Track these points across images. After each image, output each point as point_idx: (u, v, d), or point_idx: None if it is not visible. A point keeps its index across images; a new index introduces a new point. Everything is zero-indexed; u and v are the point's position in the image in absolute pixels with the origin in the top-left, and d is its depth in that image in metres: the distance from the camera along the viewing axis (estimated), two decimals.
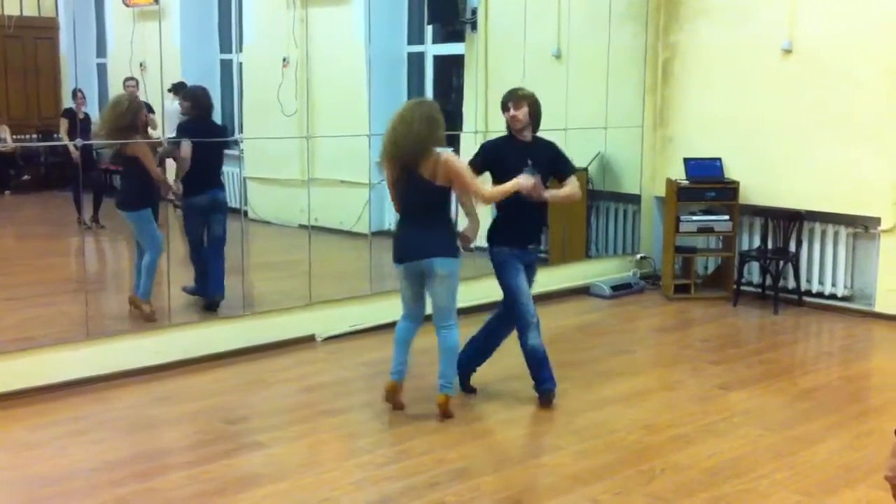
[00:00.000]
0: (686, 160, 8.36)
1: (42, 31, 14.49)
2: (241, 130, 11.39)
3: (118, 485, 4.42)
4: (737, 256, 8.27)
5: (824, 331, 7.63)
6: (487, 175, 5.53)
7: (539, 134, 5.60)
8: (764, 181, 8.16)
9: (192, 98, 7.50)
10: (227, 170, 10.40)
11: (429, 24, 10.49)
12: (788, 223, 7.98)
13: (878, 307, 7.63)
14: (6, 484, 4.51)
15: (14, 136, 13.23)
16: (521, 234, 5.50)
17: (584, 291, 8.53)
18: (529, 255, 5.55)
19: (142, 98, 9.01)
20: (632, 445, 4.99)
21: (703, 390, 5.91)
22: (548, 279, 7.85)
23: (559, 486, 4.51)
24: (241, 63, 11.50)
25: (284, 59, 10.96)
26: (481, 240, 5.69)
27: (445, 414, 5.30)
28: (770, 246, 8.12)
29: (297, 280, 7.30)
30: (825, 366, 6.85)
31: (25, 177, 14.23)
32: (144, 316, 6.91)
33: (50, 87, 14.58)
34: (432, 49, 10.84)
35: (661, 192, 8.82)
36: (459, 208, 5.57)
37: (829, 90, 7.73)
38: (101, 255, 10.48)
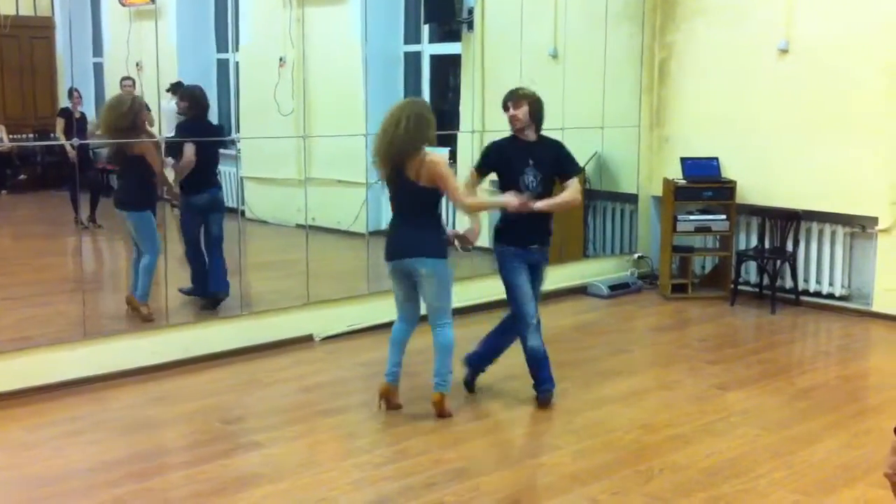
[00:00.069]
0: (683, 160, 8.37)
1: (38, 31, 14.46)
2: (237, 130, 11.39)
3: (115, 485, 4.41)
4: (734, 256, 8.27)
5: (822, 330, 7.64)
6: (489, 177, 5.54)
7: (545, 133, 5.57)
8: (761, 181, 8.17)
9: (191, 97, 7.48)
10: (224, 169, 10.41)
11: (425, 23, 10.49)
12: (786, 223, 7.98)
13: (876, 307, 7.64)
14: (3, 484, 4.51)
15: (10, 136, 13.21)
16: (524, 233, 5.46)
17: (581, 291, 8.54)
18: (533, 255, 5.49)
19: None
20: (630, 445, 4.99)
21: (700, 390, 5.91)
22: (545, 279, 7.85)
23: (558, 485, 4.51)
24: (237, 63, 11.51)
25: (281, 59, 10.95)
26: (484, 241, 5.69)
27: (441, 413, 5.29)
28: (767, 245, 8.13)
29: (295, 280, 7.30)
30: (823, 365, 6.85)
31: (22, 176, 14.20)
32: (142, 317, 6.89)
33: (46, 87, 14.57)
34: (429, 49, 10.84)
35: (659, 191, 8.82)
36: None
37: (825, 90, 7.73)
38: (98, 254, 10.47)
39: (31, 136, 13.77)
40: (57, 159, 13.29)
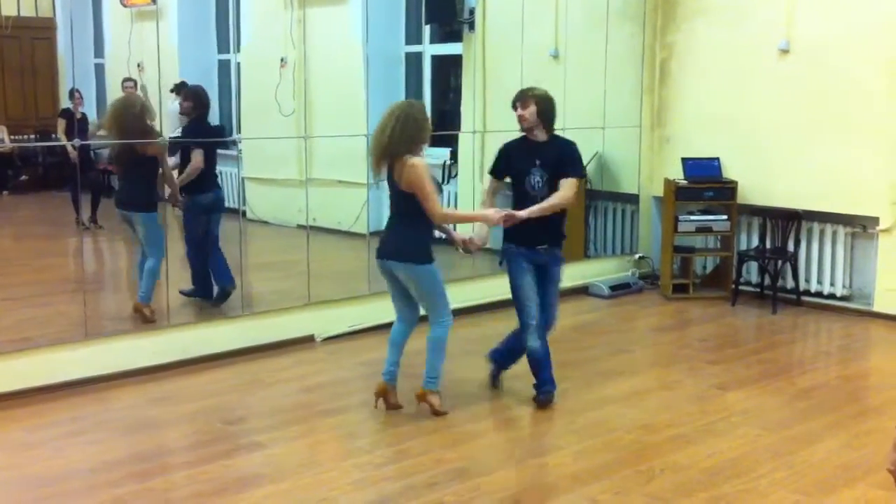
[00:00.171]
0: (684, 160, 8.37)
1: (39, 32, 14.47)
2: (239, 131, 11.40)
3: (116, 485, 4.42)
4: (735, 256, 8.27)
5: (823, 330, 7.64)
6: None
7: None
8: (762, 181, 8.17)
9: (195, 97, 7.49)
10: (226, 170, 10.43)
11: (426, 24, 10.49)
12: (787, 223, 7.98)
13: (877, 307, 7.64)
14: (4, 484, 4.51)
15: (12, 137, 13.23)
16: (531, 233, 5.43)
17: (582, 291, 8.53)
18: (540, 255, 5.45)
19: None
20: (631, 445, 4.99)
21: (701, 390, 5.91)
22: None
23: (559, 485, 4.51)
24: (238, 63, 11.51)
25: (282, 60, 10.96)
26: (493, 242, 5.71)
27: (432, 411, 5.32)
28: (768, 245, 8.13)
29: (296, 280, 7.30)
30: (823, 365, 6.85)
31: (23, 177, 14.21)
32: (143, 318, 6.89)
33: (47, 88, 14.58)
34: (430, 49, 10.84)
35: (660, 191, 8.82)
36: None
37: (826, 90, 7.73)
38: (99, 255, 10.47)
39: (32, 136, 13.79)
40: (58, 160, 13.30)
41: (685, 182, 8.28)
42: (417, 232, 5.20)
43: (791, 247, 7.98)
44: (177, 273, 7.49)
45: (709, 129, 8.51)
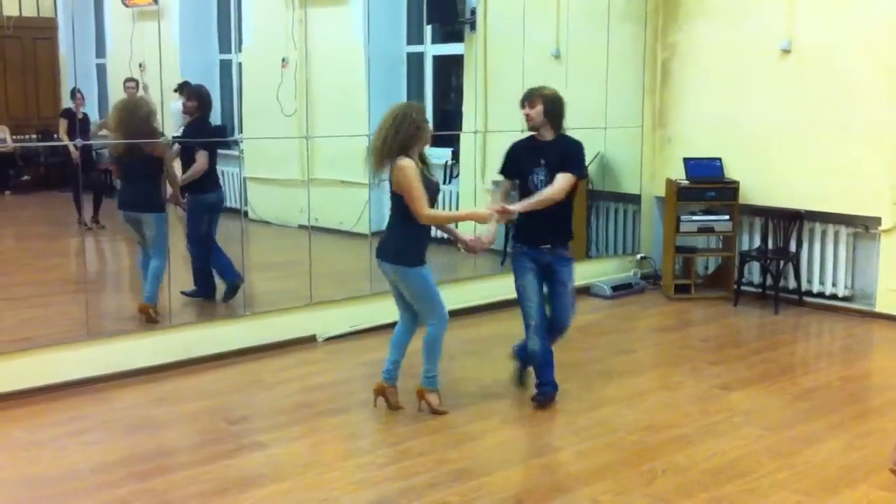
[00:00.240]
0: (686, 160, 8.36)
1: (41, 32, 14.47)
2: (240, 131, 11.39)
3: (118, 485, 4.42)
4: (737, 256, 8.27)
5: (825, 331, 7.63)
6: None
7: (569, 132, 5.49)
8: (764, 181, 8.16)
9: (199, 97, 7.49)
10: (228, 170, 10.44)
11: (428, 24, 10.48)
12: (789, 223, 7.98)
13: (879, 307, 7.63)
14: (5, 484, 4.51)
15: (14, 137, 13.23)
16: (532, 232, 5.44)
17: (584, 291, 8.52)
18: (544, 255, 5.43)
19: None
20: (632, 446, 4.98)
21: (703, 390, 5.90)
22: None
23: (560, 486, 4.51)
24: (240, 63, 11.50)
25: (283, 60, 10.95)
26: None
27: (433, 411, 5.34)
28: (770, 246, 8.12)
29: (298, 280, 7.30)
30: (825, 366, 6.85)
31: (25, 177, 14.22)
32: (149, 318, 6.88)
33: (49, 88, 14.57)
34: (431, 49, 10.83)
35: (661, 192, 8.82)
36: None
37: (828, 90, 7.73)
38: (100, 255, 10.47)
39: (34, 136, 13.80)
40: (60, 160, 13.31)
41: (687, 182, 8.28)
42: (408, 234, 5.20)
43: (793, 247, 7.97)
44: (178, 273, 7.48)
45: (710, 129, 8.50)
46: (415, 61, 10.99)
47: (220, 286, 7.61)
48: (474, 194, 8.80)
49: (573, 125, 8.06)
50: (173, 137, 7.53)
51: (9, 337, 6.36)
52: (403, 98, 10.37)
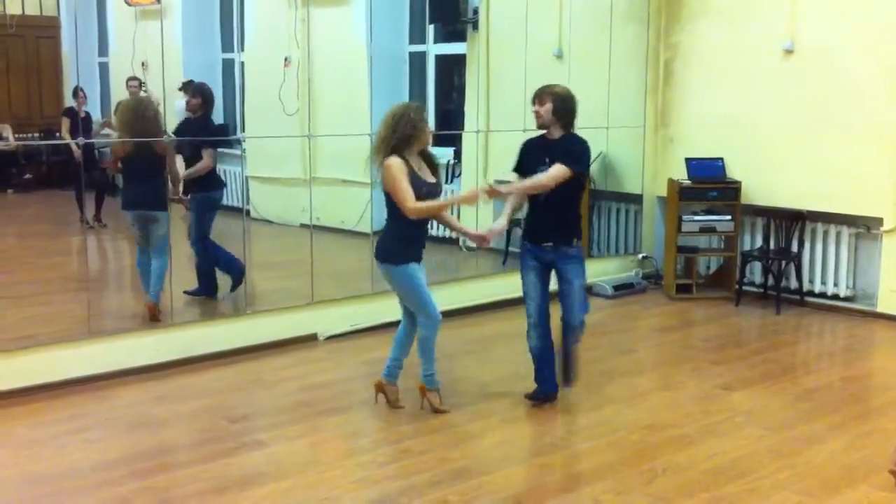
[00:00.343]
0: (688, 160, 8.36)
1: (44, 30, 14.49)
2: (242, 129, 11.41)
3: (118, 483, 4.42)
4: (739, 256, 8.26)
5: (826, 331, 7.62)
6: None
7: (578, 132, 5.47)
8: (766, 181, 8.15)
9: (203, 94, 7.52)
10: (230, 169, 10.46)
11: (430, 23, 10.49)
12: (790, 223, 7.97)
13: (881, 307, 7.62)
14: (7, 482, 4.51)
15: (16, 135, 13.24)
16: (536, 229, 5.45)
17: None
18: (546, 253, 5.40)
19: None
20: (633, 445, 4.98)
21: (704, 390, 5.90)
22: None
23: (561, 485, 4.51)
24: (242, 62, 11.52)
25: (286, 59, 10.96)
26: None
27: (434, 409, 5.35)
28: (772, 246, 8.12)
29: (299, 279, 7.30)
30: (827, 366, 6.85)
31: (27, 175, 14.23)
32: (153, 317, 6.88)
33: (52, 86, 14.59)
34: (434, 48, 10.84)
35: (663, 191, 8.82)
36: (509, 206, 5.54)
37: (830, 90, 7.72)
38: (102, 253, 10.48)
39: (36, 135, 13.81)
40: (62, 158, 13.32)
41: (689, 182, 8.27)
42: (396, 232, 5.24)
43: (795, 247, 7.97)
44: (178, 272, 7.48)
45: (713, 129, 8.50)
46: (417, 61, 11.00)
47: (223, 284, 7.61)
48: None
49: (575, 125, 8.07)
50: (175, 135, 7.52)
51: (11, 335, 6.37)
52: (406, 97, 10.38)
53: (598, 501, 4.27)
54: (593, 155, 8.80)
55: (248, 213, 9.19)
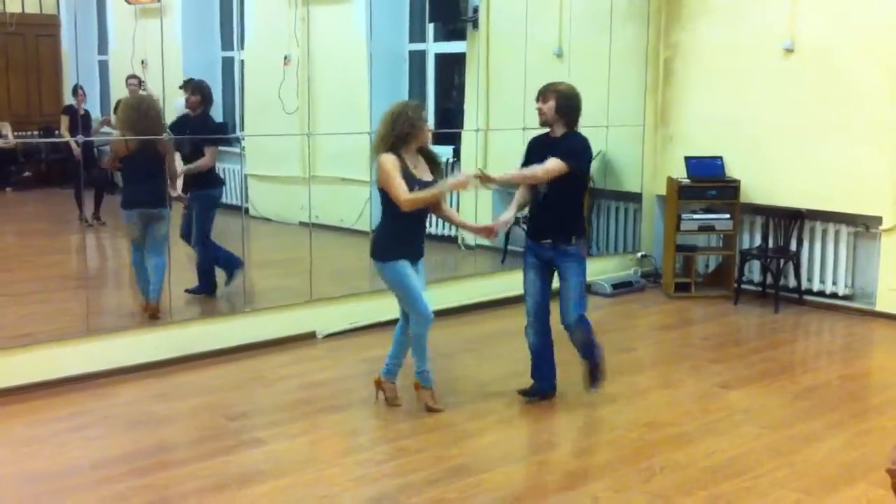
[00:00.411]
0: (687, 159, 8.36)
1: (44, 29, 14.49)
2: (242, 128, 11.40)
3: (117, 481, 4.42)
4: (738, 255, 8.27)
5: (825, 329, 7.63)
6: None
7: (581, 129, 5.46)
8: (765, 180, 8.16)
9: (202, 92, 7.52)
10: (229, 167, 10.46)
11: (430, 22, 10.48)
12: (789, 222, 7.98)
13: (879, 306, 7.63)
14: (5, 480, 4.51)
15: (15, 133, 13.23)
16: (535, 226, 5.47)
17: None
18: (545, 250, 5.40)
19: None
20: (632, 443, 4.98)
21: (703, 388, 5.90)
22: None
23: (559, 483, 4.51)
24: (242, 60, 11.52)
25: (286, 57, 10.96)
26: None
27: (428, 408, 5.35)
28: (771, 244, 8.12)
29: (298, 277, 7.30)
30: (825, 364, 6.85)
31: (27, 173, 14.23)
32: (151, 313, 6.87)
33: (51, 84, 14.59)
34: (434, 47, 10.83)
35: (662, 190, 8.82)
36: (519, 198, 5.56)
37: (830, 89, 7.72)
38: (101, 251, 10.48)
39: (35, 133, 13.81)
40: (62, 156, 13.31)
41: (688, 181, 8.28)
42: (386, 229, 5.29)
43: (793, 246, 7.97)
44: (178, 270, 7.49)
45: (712, 128, 8.50)
46: (417, 59, 11.00)
47: (220, 280, 7.62)
48: (475, 192, 8.78)
49: None
50: (171, 132, 7.52)
51: (9, 333, 6.37)
52: (405, 96, 10.38)
53: (596, 499, 4.27)
54: (593, 153, 8.86)
55: (247, 211, 9.20)
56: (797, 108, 7.94)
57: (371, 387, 5.54)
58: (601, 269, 8.77)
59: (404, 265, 5.22)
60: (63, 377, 5.74)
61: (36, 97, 14.57)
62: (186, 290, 7.51)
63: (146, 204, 7.01)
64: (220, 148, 7.77)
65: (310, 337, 6.89)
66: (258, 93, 11.31)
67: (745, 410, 5.49)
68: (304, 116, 9.98)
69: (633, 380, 6.09)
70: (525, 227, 5.67)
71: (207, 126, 7.54)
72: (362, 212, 9.07)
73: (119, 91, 11.89)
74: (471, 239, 9.36)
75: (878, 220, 7.60)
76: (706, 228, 8.34)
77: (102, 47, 14.20)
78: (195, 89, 7.58)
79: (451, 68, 10.90)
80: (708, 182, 8.26)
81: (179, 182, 7.38)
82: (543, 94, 5.36)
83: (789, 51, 7.94)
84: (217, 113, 10.74)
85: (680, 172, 8.40)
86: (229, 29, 12.46)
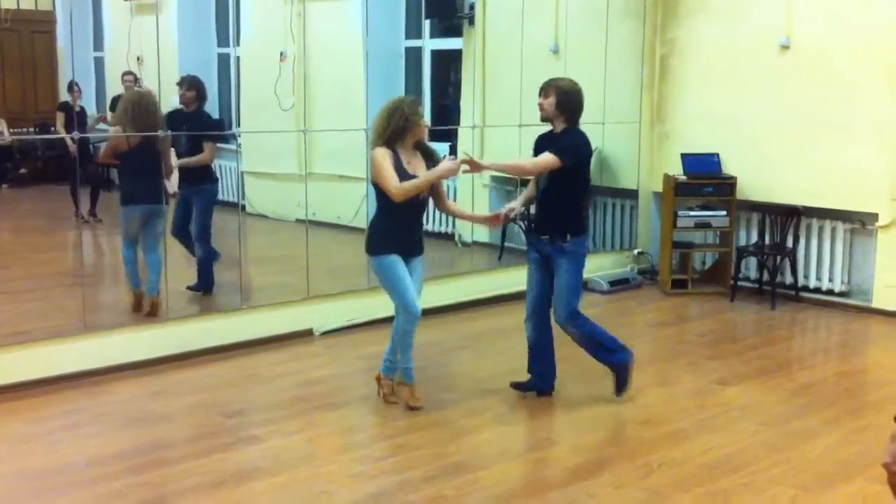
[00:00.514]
0: (683, 156, 8.36)
1: (39, 25, 14.44)
2: (238, 124, 11.38)
3: (114, 478, 4.41)
4: (734, 252, 8.27)
5: (821, 326, 7.64)
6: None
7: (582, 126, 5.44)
8: (761, 177, 8.16)
9: (197, 87, 7.52)
10: (225, 164, 10.44)
11: (426, 18, 10.47)
12: (786, 219, 7.98)
13: (876, 303, 7.64)
14: (2, 478, 4.50)
15: (11, 130, 13.19)
16: (536, 222, 5.51)
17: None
18: (543, 245, 5.40)
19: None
20: (629, 440, 4.99)
21: (700, 385, 5.91)
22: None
23: (557, 480, 4.51)
24: (238, 57, 11.49)
25: (282, 54, 10.94)
26: (484, 236, 5.68)
27: (408, 406, 5.33)
28: (767, 241, 8.13)
29: (295, 274, 7.30)
30: (822, 361, 6.86)
31: (22, 170, 14.19)
32: (153, 311, 6.86)
33: (47, 81, 14.55)
34: (430, 44, 10.82)
35: (659, 187, 8.82)
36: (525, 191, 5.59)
37: (826, 86, 7.72)
38: (97, 248, 10.47)
39: (31, 130, 13.77)
40: (57, 153, 13.27)
41: (684, 178, 8.28)
42: (379, 223, 5.31)
43: (790, 243, 7.98)
44: (172, 267, 7.49)
45: (708, 124, 8.50)
46: (413, 56, 10.99)
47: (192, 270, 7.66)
48: (472, 188, 8.80)
49: None
50: (170, 128, 7.51)
51: (5, 330, 6.35)
52: (402, 93, 10.36)
53: (593, 496, 4.27)
54: (592, 150, 8.85)
55: (243, 208, 9.19)
56: (794, 105, 7.94)
57: (369, 384, 5.54)
58: (598, 266, 8.76)
59: (394, 260, 5.21)
60: (59, 375, 5.73)
61: (31, 94, 14.53)
62: (188, 287, 7.51)
63: (147, 200, 7.01)
64: (217, 145, 7.77)
65: (307, 334, 6.88)
66: (254, 89, 11.29)
67: (742, 407, 5.50)
68: (300, 113, 9.95)
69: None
70: (522, 224, 5.70)
71: (205, 122, 7.54)
72: (359, 209, 9.05)
73: (114, 88, 11.88)
74: (468, 236, 9.36)
75: (875, 216, 7.60)
76: (703, 225, 8.35)
77: (98, 44, 14.18)
78: (190, 85, 7.57)
79: (448, 65, 10.89)
80: (704, 179, 8.26)
81: (175, 177, 7.38)
82: (545, 90, 5.36)
83: (785, 48, 7.94)
84: (213, 110, 10.72)
85: (676, 169, 8.41)
86: (225, 25, 12.45)
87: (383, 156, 5.13)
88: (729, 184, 8.22)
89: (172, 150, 7.49)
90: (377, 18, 10.05)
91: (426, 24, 10.69)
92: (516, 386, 5.60)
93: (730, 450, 4.81)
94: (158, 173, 7.00)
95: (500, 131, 9.01)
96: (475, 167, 5.33)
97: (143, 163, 6.92)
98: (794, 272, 8.03)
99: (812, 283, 8.08)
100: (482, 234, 9.42)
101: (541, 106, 5.37)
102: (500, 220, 5.57)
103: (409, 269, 5.26)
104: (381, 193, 5.18)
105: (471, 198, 8.66)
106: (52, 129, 12.29)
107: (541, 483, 4.49)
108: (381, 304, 6.70)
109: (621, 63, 8.88)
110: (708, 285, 8.52)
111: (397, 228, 5.25)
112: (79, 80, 10.94)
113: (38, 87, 14.56)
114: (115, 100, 10.29)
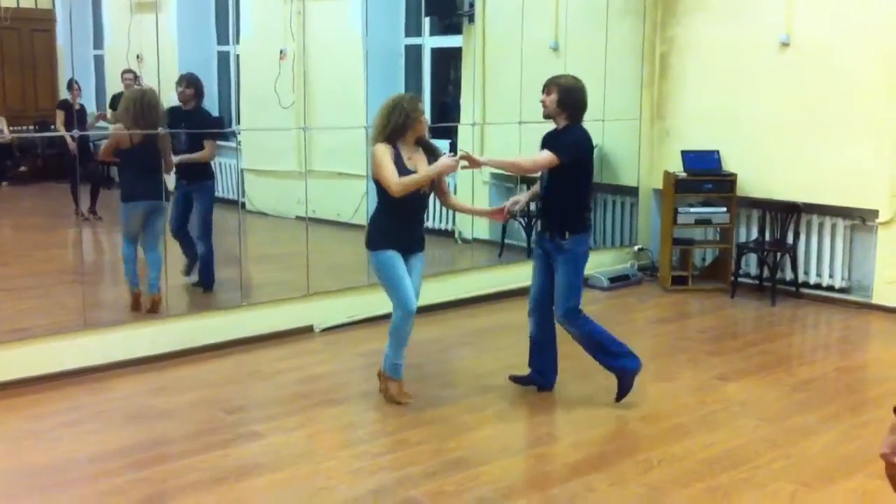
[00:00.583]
0: (683, 153, 8.37)
1: (39, 23, 14.44)
2: (238, 122, 11.39)
3: (115, 474, 4.42)
4: (734, 248, 8.28)
5: (821, 322, 7.64)
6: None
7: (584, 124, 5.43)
8: (761, 173, 8.16)
9: (196, 85, 7.53)
10: (225, 161, 10.45)
11: (426, 16, 10.47)
12: (786, 215, 7.98)
13: (876, 299, 7.64)
14: (3, 474, 4.50)
15: (11, 128, 13.19)
16: (539, 218, 5.55)
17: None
18: (545, 242, 5.41)
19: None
20: (629, 436, 4.99)
21: (700, 381, 5.91)
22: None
23: (557, 475, 4.51)
24: (238, 55, 11.50)
25: (281, 51, 10.94)
26: (484, 232, 5.69)
27: (395, 401, 5.34)
28: (767, 238, 8.13)
29: (295, 271, 7.30)
30: (822, 357, 6.87)
31: (22, 168, 14.20)
32: (154, 308, 6.87)
33: (47, 79, 14.55)
34: (430, 41, 10.83)
35: (659, 184, 8.82)
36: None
37: (826, 83, 7.72)
38: (97, 246, 10.47)
39: (31, 127, 13.77)
40: (57, 151, 13.28)
41: (684, 174, 8.28)
42: (378, 218, 5.33)
43: (790, 239, 7.98)
44: (175, 265, 7.50)
45: (708, 122, 8.50)
46: (413, 54, 10.99)
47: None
48: (472, 185, 8.79)
49: None
50: (168, 125, 7.51)
51: (6, 327, 6.35)
52: (402, 90, 10.36)
53: (593, 491, 4.28)
54: (593, 147, 8.85)
55: (243, 205, 9.20)
56: (793, 103, 7.94)
57: (369, 380, 5.54)
58: (598, 263, 8.75)
59: (392, 255, 5.22)
60: (60, 371, 5.73)
61: (31, 92, 14.53)
62: (193, 285, 7.52)
63: (148, 197, 7.02)
64: (217, 142, 7.79)
65: (307, 331, 6.88)
66: (254, 87, 11.29)
67: (743, 403, 5.50)
68: (300, 111, 9.95)
69: None
70: (522, 220, 5.71)
71: (205, 120, 7.55)
72: (359, 206, 9.05)
73: (114, 86, 11.87)
74: (468, 233, 9.36)
75: (875, 213, 7.60)
76: (703, 222, 8.35)
77: (98, 42, 14.17)
78: (189, 83, 7.59)
79: (448, 63, 10.89)
80: (704, 176, 8.27)
81: (172, 174, 7.41)
82: (547, 87, 5.36)
83: (785, 45, 7.94)
84: (213, 108, 10.73)
85: (676, 166, 8.41)
86: (225, 23, 12.45)
87: (384, 152, 5.15)
88: (729, 180, 8.22)
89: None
90: (377, 16, 10.05)
91: (426, 21, 10.69)
92: (515, 379, 5.62)
93: (730, 445, 4.81)
94: (159, 170, 7.01)
95: (500, 129, 9.01)
96: (473, 163, 5.35)
97: (145, 160, 6.92)
98: (794, 268, 8.03)
99: (812, 280, 8.08)
100: (482, 230, 9.42)
101: (543, 103, 5.37)
102: (504, 214, 5.58)
103: (408, 266, 5.27)
104: (382, 189, 5.19)
105: (471, 195, 8.66)
106: (52, 126, 12.29)
107: (541, 478, 4.49)
108: (381, 301, 6.68)
109: (621, 61, 8.88)
110: (708, 282, 8.53)
111: (397, 225, 5.26)
112: (78, 79, 10.94)
113: (37, 86, 14.56)
114: (115, 98, 10.32)
